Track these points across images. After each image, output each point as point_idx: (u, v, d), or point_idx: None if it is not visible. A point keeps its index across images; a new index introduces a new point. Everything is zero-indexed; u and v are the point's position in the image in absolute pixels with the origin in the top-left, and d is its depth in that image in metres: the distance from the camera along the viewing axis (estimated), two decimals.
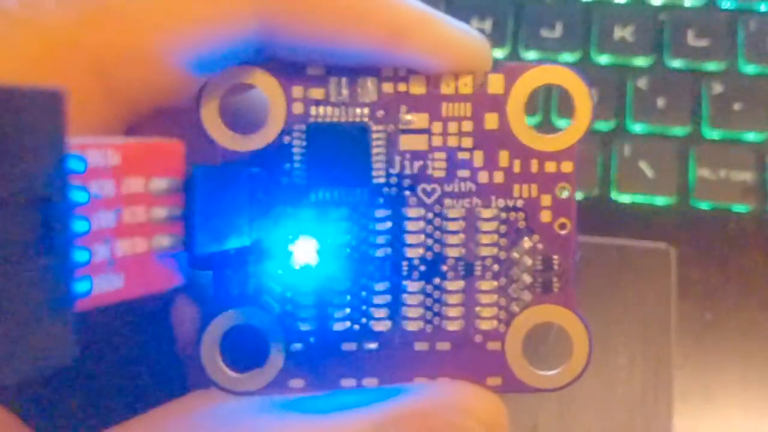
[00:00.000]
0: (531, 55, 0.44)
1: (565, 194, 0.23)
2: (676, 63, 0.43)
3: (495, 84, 0.23)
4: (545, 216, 0.23)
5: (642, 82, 0.43)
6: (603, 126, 0.42)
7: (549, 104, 0.43)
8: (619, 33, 0.44)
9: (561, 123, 0.42)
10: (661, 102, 0.43)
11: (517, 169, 0.23)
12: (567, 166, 0.23)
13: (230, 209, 0.21)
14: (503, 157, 0.23)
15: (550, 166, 0.23)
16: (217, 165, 0.22)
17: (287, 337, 0.23)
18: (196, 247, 0.20)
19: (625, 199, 0.41)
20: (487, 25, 0.44)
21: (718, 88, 0.43)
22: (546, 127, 0.42)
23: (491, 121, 0.23)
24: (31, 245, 0.15)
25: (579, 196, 0.41)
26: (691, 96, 0.43)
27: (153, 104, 0.22)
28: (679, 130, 0.42)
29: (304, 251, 0.23)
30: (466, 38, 0.23)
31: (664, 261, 0.41)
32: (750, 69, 0.43)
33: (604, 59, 0.44)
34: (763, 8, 0.44)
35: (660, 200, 0.41)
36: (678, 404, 0.39)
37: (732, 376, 0.39)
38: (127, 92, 0.22)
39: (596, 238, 0.41)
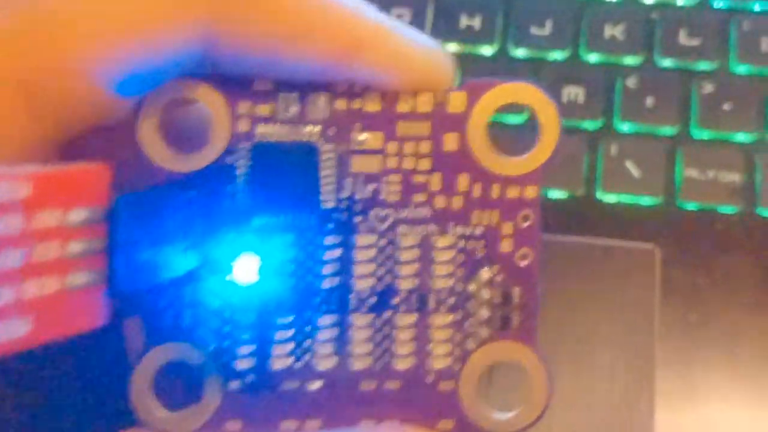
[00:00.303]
0: (520, 52, 0.40)
1: (527, 222, 0.20)
2: (667, 62, 0.40)
3: (456, 102, 0.20)
4: (506, 245, 0.20)
5: (631, 81, 0.39)
6: (590, 125, 0.39)
7: None
8: (609, 31, 0.40)
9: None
10: (650, 101, 0.39)
11: (477, 194, 0.20)
12: (531, 192, 0.20)
13: (162, 237, 0.18)
14: (462, 181, 0.20)
15: (513, 192, 0.20)
16: (146, 190, 0.19)
17: (224, 375, 0.20)
18: (119, 283, 0.17)
19: (610, 198, 0.38)
20: (476, 21, 0.41)
21: (708, 87, 0.39)
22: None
23: (451, 142, 0.20)
24: None
25: (564, 195, 0.38)
26: (680, 96, 0.39)
27: (86, 122, 0.19)
28: (667, 130, 0.39)
29: (245, 274, 0.20)
30: (426, 53, 0.20)
31: (648, 261, 0.38)
32: (742, 69, 0.40)
33: (593, 57, 0.40)
34: (757, 8, 0.41)
35: (646, 200, 0.38)
36: (660, 405, 0.36)
37: (715, 377, 0.36)
38: (56, 110, 0.19)
39: (581, 238, 0.38)
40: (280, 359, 0.20)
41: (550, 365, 0.20)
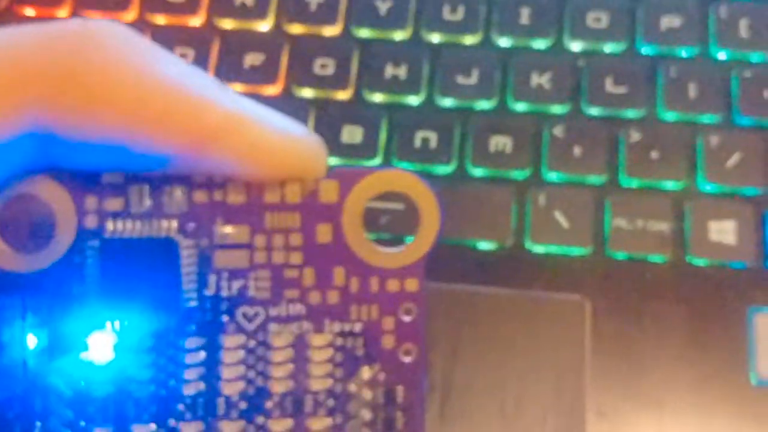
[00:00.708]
0: (447, 101, 0.38)
1: (410, 316, 0.18)
2: (594, 110, 0.38)
3: (328, 192, 0.17)
4: (387, 341, 0.18)
5: (558, 130, 0.37)
6: (518, 174, 0.37)
7: (464, 151, 0.37)
8: (536, 80, 0.38)
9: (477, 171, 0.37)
10: (577, 150, 0.37)
11: (354, 288, 0.18)
12: (412, 284, 0.18)
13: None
14: (338, 274, 0.18)
15: (393, 285, 0.18)
16: None
17: None
18: None
19: (539, 249, 0.36)
20: (402, 71, 0.38)
21: (635, 136, 0.37)
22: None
23: (324, 233, 0.17)
24: None
25: (492, 246, 0.36)
26: (608, 144, 0.37)
27: None
28: (595, 179, 0.37)
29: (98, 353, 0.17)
30: (289, 140, 0.17)
31: (578, 313, 0.36)
32: (669, 116, 0.38)
33: (520, 106, 0.38)
34: (684, 54, 0.39)
35: (575, 251, 0.36)
36: None
37: (646, 430, 0.34)
38: None
39: (509, 290, 0.36)
40: None
41: None
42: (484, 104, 0.38)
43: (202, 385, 0.17)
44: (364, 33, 0.39)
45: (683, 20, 0.39)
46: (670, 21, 0.39)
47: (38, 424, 0.17)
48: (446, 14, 0.39)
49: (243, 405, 0.17)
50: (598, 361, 0.35)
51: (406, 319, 0.18)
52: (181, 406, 0.17)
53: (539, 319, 0.36)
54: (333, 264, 0.17)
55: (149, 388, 0.17)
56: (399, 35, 0.39)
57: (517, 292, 0.36)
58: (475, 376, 0.35)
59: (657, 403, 0.34)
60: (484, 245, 0.36)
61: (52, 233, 0.17)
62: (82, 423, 0.17)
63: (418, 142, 0.37)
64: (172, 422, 0.17)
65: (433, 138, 0.37)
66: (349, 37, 0.39)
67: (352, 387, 0.18)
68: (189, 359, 0.17)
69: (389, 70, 0.38)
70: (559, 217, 0.36)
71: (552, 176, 0.37)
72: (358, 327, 0.18)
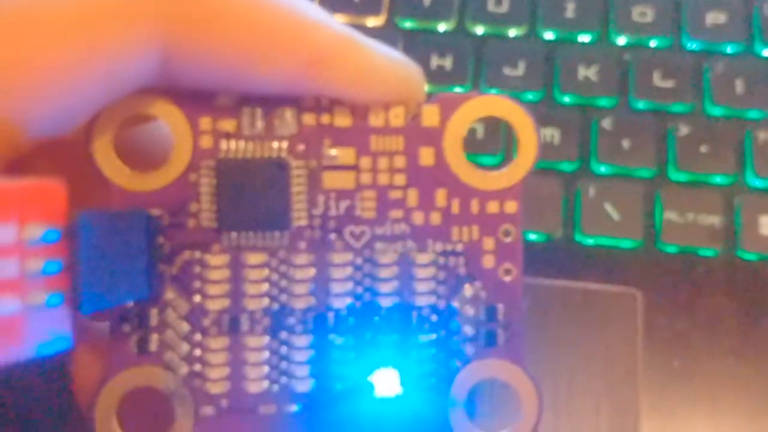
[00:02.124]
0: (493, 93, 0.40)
1: (509, 238, 0.20)
2: (641, 104, 0.40)
3: (430, 116, 0.19)
4: (488, 261, 0.20)
5: (607, 123, 0.39)
6: (567, 166, 0.39)
7: (511, 143, 0.39)
8: (583, 72, 0.40)
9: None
10: (626, 143, 0.39)
11: (455, 209, 0.19)
12: (511, 206, 0.20)
13: (125, 258, 0.17)
14: (440, 196, 0.19)
15: (493, 207, 0.20)
16: (107, 209, 0.18)
17: (195, 400, 0.19)
18: (83, 305, 0.16)
19: (589, 241, 0.38)
20: (448, 62, 0.41)
21: (684, 129, 0.39)
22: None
23: (426, 156, 0.19)
24: None
25: (542, 237, 0.38)
26: (656, 137, 0.39)
27: (36, 137, 0.18)
28: (644, 172, 0.39)
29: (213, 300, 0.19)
30: (395, 65, 0.19)
31: (630, 305, 0.37)
32: (717, 111, 0.40)
33: (567, 99, 0.40)
34: (729, 50, 0.41)
35: (626, 243, 0.38)
36: None
37: (699, 424, 0.36)
38: (4, 123, 0.17)
39: (560, 282, 0.37)
40: (255, 382, 0.19)
41: (538, 383, 0.19)
42: (530, 96, 0.40)
43: (312, 300, 0.19)
44: (408, 24, 0.42)
45: (728, 16, 0.42)
46: (715, 17, 0.42)
47: (154, 337, 0.19)
48: (491, 6, 0.42)
49: (351, 319, 0.19)
50: (649, 354, 0.36)
51: (506, 239, 0.19)
52: (292, 320, 0.19)
53: (591, 310, 0.37)
54: (435, 186, 0.19)
55: (262, 302, 0.19)
56: (443, 26, 0.42)
57: (567, 283, 0.37)
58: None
59: (710, 398, 0.36)
60: (534, 237, 0.38)
61: (168, 154, 0.19)
62: (198, 337, 0.19)
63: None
64: (283, 335, 0.19)
65: (480, 129, 0.39)
66: (394, 27, 0.42)
67: (455, 304, 0.19)
68: (300, 275, 0.19)
69: (434, 61, 0.41)
70: (610, 209, 0.38)
71: (601, 168, 0.39)
72: (459, 247, 0.19)
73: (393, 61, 0.19)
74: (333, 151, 0.19)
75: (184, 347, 0.19)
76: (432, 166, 0.19)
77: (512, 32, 0.41)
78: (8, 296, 0.15)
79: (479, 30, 0.41)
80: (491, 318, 0.19)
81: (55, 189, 0.16)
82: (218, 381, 0.19)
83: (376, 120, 0.19)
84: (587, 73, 0.40)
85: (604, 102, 0.40)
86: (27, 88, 0.17)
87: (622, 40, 0.41)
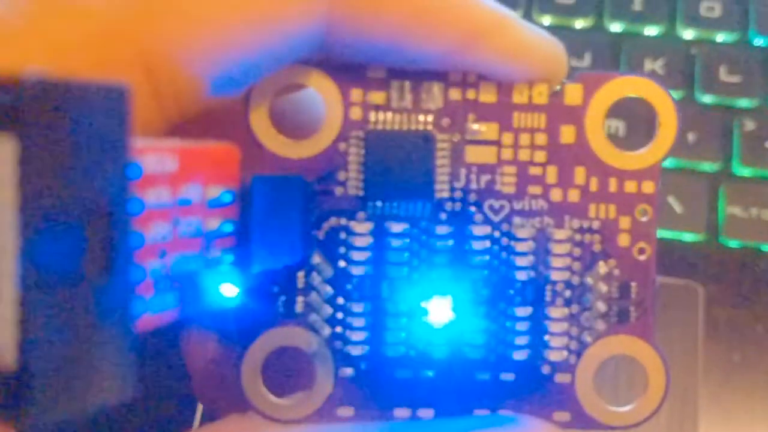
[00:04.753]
0: None
1: (645, 217, 0.20)
2: (707, 98, 0.41)
3: (572, 94, 0.20)
4: (623, 240, 0.20)
5: None
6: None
7: None
8: (649, 65, 0.41)
9: None
10: (691, 137, 0.40)
11: (594, 187, 0.20)
12: (648, 187, 0.20)
13: (285, 221, 0.18)
14: (579, 173, 0.20)
15: (630, 186, 0.20)
16: (274, 174, 0.19)
17: (336, 362, 0.20)
18: (253, 264, 0.17)
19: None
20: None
21: (749, 125, 0.40)
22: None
23: (567, 134, 0.20)
24: (90, 262, 0.12)
25: None
26: (721, 132, 0.40)
27: (201, 105, 0.19)
28: (708, 166, 0.40)
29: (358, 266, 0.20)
30: (544, 44, 0.20)
31: (691, 299, 0.38)
32: None
33: None
34: None
35: (689, 236, 0.39)
36: None
37: (759, 417, 0.36)
38: (177, 91, 0.18)
39: None
40: (394, 347, 0.20)
41: (667, 362, 0.20)
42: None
43: (449, 270, 0.20)
44: None
45: None
46: None
47: (300, 299, 0.20)
48: None
49: (487, 291, 0.20)
50: (709, 348, 0.37)
51: (642, 219, 0.20)
52: (431, 288, 0.20)
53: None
54: (574, 164, 0.20)
55: (402, 270, 0.20)
56: None
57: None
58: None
59: None
60: None
61: (319, 124, 0.20)
62: (341, 300, 0.20)
63: None
64: (424, 303, 0.20)
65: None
66: None
67: (589, 280, 0.20)
68: (440, 245, 0.20)
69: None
70: (673, 202, 0.39)
71: (665, 162, 0.40)
72: (596, 224, 0.20)
73: (542, 40, 0.20)
74: (477, 126, 0.20)
75: (327, 310, 0.20)
76: (572, 144, 0.20)
77: (579, 24, 0.42)
78: (193, 252, 0.16)
79: (546, 21, 0.42)
80: (624, 295, 0.20)
81: (231, 153, 0.18)
82: (358, 344, 0.20)
83: (519, 97, 0.20)
84: (653, 66, 0.41)
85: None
86: (219, 43, 0.18)
87: (689, 34, 0.42)
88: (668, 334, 0.38)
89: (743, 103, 0.41)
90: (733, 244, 0.39)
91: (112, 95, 0.13)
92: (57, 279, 0.12)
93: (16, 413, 0.11)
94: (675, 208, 0.39)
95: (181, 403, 0.22)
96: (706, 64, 0.41)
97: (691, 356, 0.37)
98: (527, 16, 0.43)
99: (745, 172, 0.40)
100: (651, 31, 0.42)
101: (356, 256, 0.20)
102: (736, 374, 0.37)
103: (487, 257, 0.20)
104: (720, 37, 0.42)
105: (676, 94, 0.41)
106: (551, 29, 0.42)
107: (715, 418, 0.37)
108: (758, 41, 0.42)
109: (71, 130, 0.12)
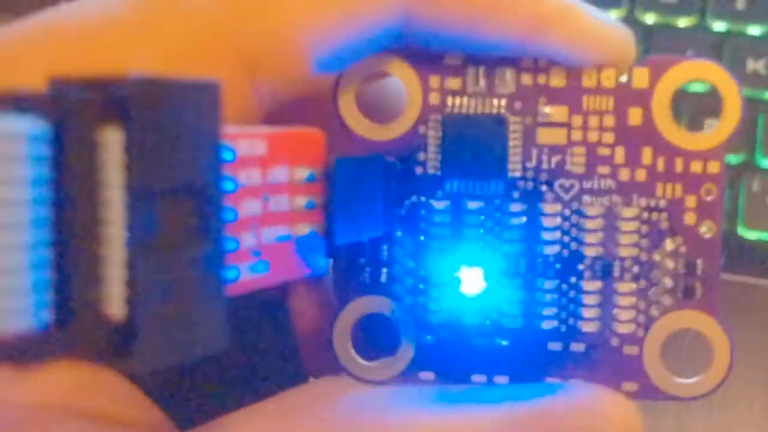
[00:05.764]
0: None
1: (710, 196, 0.21)
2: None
3: (640, 78, 0.22)
4: (690, 218, 0.21)
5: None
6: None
7: None
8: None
9: None
10: None
11: (660, 167, 0.21)
12: (714, 167, 0.21)
13: (366, 199, 0.21)
14: (646, 154, 0.21)
15: (696, 166, 0.21)
16: (356, 155, 0.21)
17: (418, 329, 0.22)
18: (336, 237, 0.20)
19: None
20: None
21: None
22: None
23: (635, 116, 0.21)
24: (188, 233, 0.15)
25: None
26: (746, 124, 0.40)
27: (294, 94, 0.22)
28: (732, 158, 0.40)
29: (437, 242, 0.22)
30: (611, 30, 0.21)
31: None
32: None
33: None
34: None
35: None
36: None
37: None
38: (271, 83, 0.21)
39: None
40: (471, 316, 0.22)
41: (732, 336, 0.21)
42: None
43: (524, 246, 0.21)
44: None
45: None
46: None
47: (384, 270, 0.22)
48: None
49: (558, 265, 0.21)
50: None
51: (708, 198, 0.21)
52: (505, 264, 0.21)
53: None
54: (642, 144, 0.21)
55: (478, 245, 0.21)
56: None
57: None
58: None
59: None
60: None
61: (400, 108, 0.22)
62: (422, 272, 0.22)
63: None
64: (497, 276, 0.21)
65: None
66: None
67: (656, 257, 0.21)
68: (513, 222, 0.21)
69: None
70: None
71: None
72: (663, 203, 0.21)
73: (610, 26, 0.21)
74: (547, 109, 0.22)
75: (409, 281, 0.22)
76: (639, 126, 0.21)
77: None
78: (282, 226, 0.19)
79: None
80: (690, 272, 0.21)
81: (316, 137, 0.20)
82: (439, 313, 0.22)
83: (588, 81, 0.21)
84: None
85: None
86: (315, 35, 0.20)
87: (719, 26, 0.42)
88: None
89: None
90: (752, 235, 0.39)
91: (205, 91, 0.15)
92: (159, 246, 0.14)
93: (123, 360, 0.13)
94: None
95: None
96: (735, 56, 0.41)
97: None
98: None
99: None
100: (754, 30, 0.43)
101: (436, 231, 0.22)
102: None
103: (559, 234, 0.21)
104: (751, 30, 0.42)
105: None
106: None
107: None
108: None
109: (170, 121, 0.14)
